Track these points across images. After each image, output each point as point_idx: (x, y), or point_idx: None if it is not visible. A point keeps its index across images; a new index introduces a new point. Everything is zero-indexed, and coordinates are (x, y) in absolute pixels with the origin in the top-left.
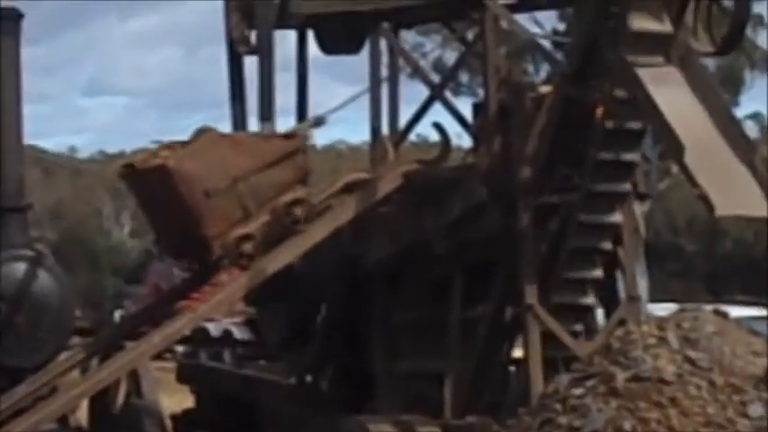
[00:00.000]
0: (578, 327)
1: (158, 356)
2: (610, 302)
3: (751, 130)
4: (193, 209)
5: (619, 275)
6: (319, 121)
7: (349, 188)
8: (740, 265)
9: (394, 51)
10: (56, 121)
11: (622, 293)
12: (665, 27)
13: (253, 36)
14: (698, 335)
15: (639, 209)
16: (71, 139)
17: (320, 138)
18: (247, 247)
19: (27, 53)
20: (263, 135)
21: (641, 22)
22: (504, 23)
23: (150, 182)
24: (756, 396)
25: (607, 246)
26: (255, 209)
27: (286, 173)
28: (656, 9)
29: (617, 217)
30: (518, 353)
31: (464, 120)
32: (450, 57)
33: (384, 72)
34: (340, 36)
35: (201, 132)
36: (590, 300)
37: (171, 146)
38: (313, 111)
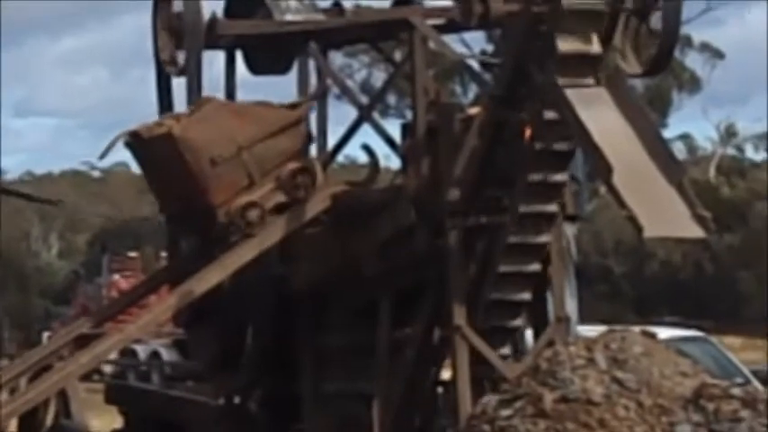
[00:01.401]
0: (505, 350)
1: (87, 377)
2: (539, 323)
3: (680, 151)
4: (199, 177)
5: (549, 296)
6: (323, 91)
7: (279, 209)
8: (668, 287)
9: (322, 72)
10: None
11: (552, 314)
12: (594, 48)
13: (181, 57)
14: (626, 356)
15: (570, 230)
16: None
17: None
18: (253, 214)
19: None
20: (267, 104)
21: (569, 44)
22: (432, 44)
23: (155, 150)
24: (684, 417)
25: (535, 268)
26: (260, 177)
27: (290, 142)
28: (585, 31)
29: (546, 238)
30: (446, 374)
31: (392, 141)
32: (378, 77)
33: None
34: (268, 56)
35: (205, 101)
36: (518, 322)
37: (176, 115)
38: None
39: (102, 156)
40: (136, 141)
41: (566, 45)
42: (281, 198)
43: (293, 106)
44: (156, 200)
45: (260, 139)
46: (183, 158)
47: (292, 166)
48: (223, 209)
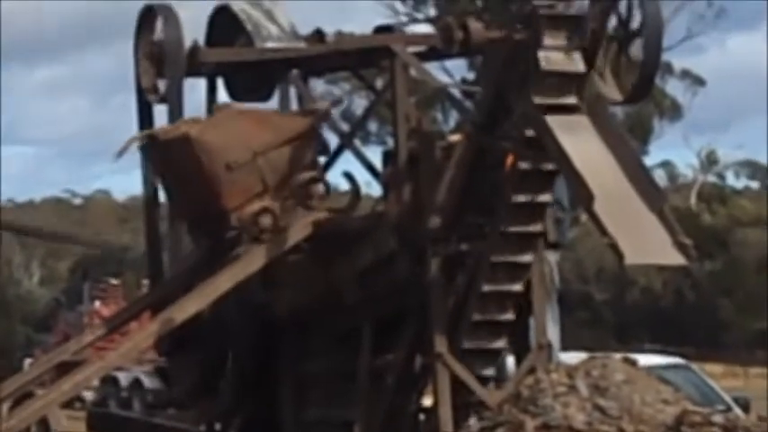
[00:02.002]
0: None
1: (68, 404)
2: (521, 350)
3: (660, 178)
4: (213, 180)
5: (531, 323)
6: (336, 103)
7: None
8: (649, 314)
9: (303, 99)
10: None
11: (534, 341)
12: (578, 67)
13: (162, 84)
14: (607, 383)
15: (553, 258)
16: None
17: None
18: (265, 220)
19: None
20: (282, 112)
21: (552, 63)
22: (413, 72)
23: (172, 152)
24: None
25: (518, 288)
26: (274, 184)
27: (304, 149)
28: (567, 51)
29: (529, 258)
30: (427, 401)
31: (374, 168)
32: (359, 104)
33: None
34: (250, 84)
35: (222, 107)
36: (501, 343)
37: (192, 120)
38: None
39: (118, 155)
40: (151, 143)
41: (548, 64)
42: (293, 206)
43: (307, 113)
44: (170, 204)
45: (275, 146)
46: (198, 161)
47: (306, 176)
48: (236, 214)
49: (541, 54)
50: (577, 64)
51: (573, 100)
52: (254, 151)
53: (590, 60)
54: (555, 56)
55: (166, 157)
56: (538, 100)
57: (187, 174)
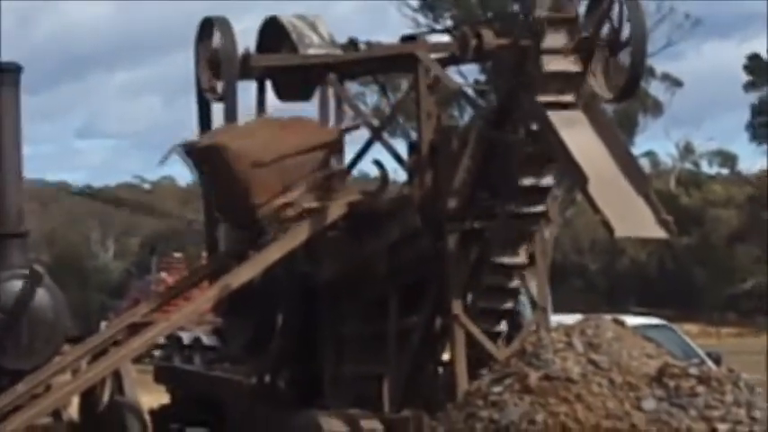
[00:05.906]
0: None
1: (138, 360)
2: (512, 328)
3: (644, 166)
4: (242, 181)
5: (522, 292)
6: (354, 128)
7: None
8: (636, 281)
9: (340, 98)
10: (54, 159)
11: (526, 309)
12: (576, 67)
13: (219, 86)
14: (599, 340)
15: (548, 232)
16: (66, 176)
17: None
18: (289, 212)
19: (27, 101)
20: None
21: (554, 64)
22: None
23: (208, 158)
24: (649, 393)
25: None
26: (298, 181)
27: (326, 155)
28: (567, 54)
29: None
30: (446, 356)
31: (400, 157)
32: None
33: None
34: (294, 85)
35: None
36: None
37: (227, 127)
38: None
39: (161, 162)
40: (190, 151)
41: (550, 65)
42: (314, 199)
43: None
44: (209, 199)
45: (301, 151)
46: (229, 166)
47: (326, 171)
48: (263, 209)
49: (544, 58)
50: (576, 65)
51: (570, 98)
52: (281, 153)
53: (585, 64)
54: (555, 59)
55: (203, 161)
56: (541, 98)
57: (220, 175)
